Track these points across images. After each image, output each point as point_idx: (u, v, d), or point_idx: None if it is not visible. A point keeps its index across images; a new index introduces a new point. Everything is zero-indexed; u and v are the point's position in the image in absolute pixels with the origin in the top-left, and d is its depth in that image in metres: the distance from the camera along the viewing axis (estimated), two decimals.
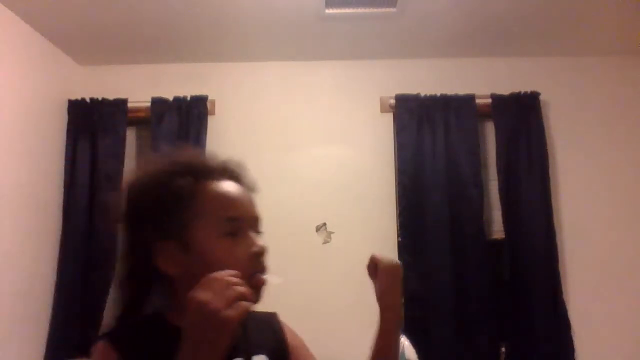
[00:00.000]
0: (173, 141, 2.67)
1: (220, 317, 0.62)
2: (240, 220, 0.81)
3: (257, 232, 0.84)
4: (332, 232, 2.59)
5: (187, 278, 0.75)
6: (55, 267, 2.54)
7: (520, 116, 2.69)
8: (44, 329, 2.46)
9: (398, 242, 2.66)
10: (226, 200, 0.82)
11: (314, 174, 2.71)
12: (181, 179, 0.80)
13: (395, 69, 2.84)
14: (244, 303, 0.65)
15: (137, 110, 2.73)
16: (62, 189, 2.61)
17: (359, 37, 2.61)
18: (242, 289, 0.66)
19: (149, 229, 0.79)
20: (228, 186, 0.84)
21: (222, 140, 2.74)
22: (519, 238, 2.60)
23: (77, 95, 2.72)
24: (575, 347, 2.50)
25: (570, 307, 2.55)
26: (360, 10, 2.33)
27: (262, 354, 0.86)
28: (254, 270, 0.78)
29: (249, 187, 0.88)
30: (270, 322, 0.97)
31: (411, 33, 2.57)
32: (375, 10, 2.32)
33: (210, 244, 0.78)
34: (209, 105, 2.74)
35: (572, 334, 2.51)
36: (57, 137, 2.64)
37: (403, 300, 2.42)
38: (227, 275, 0.67)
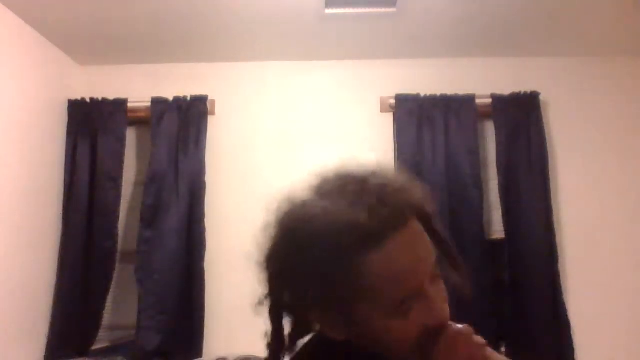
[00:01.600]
0: (173, 141, 2.68)
1: None
2: (414, 294, 0.63)
3: (435, 280, 0.67)
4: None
5: (354, 341, 0.67)
6: (55, 267, 2.54)
7: (520, 116, 2.69)
8: (44, 329, 2.46)
9: None
10: (397, 277, 0.62)
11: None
12: (352, 248, 0.61)
13: (395, 69, 2.84)
14: None
15: (137, 110, 2.73)
16: (62, 189, 2.61)
17: (359, 37, 2.61)
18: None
19: (307, 290, 0.65)
20: (402, 253, 0.62)
21: (222, 140, 2.75)
22: (519, 238, 2.60)
23: (77, 95, 2.73)
24: (575, 347, 2.51)
25: (570, 307, 2.55)
26: (360, 10, 2.33)
27: None
28: (425, 346, 0.64)
29: (417, 214, 0.67)
30: None
31: (411, 33, 2.57)
32: (375, 10, 2.32)
33: (378, 324, 0.64)
34: (209, 105, 2.74)
35: (572, 334, 2.51)
36: (57, 137, 2.64)
37: None
38: (469, 334, 0.63)
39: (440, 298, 0.67)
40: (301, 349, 0.72)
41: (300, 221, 0.64)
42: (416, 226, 0.65)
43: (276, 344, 0.69)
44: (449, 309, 0.68)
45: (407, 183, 0.70)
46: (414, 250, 0.64)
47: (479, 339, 0.65)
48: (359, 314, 0.64)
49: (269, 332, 0.69)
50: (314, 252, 0.62)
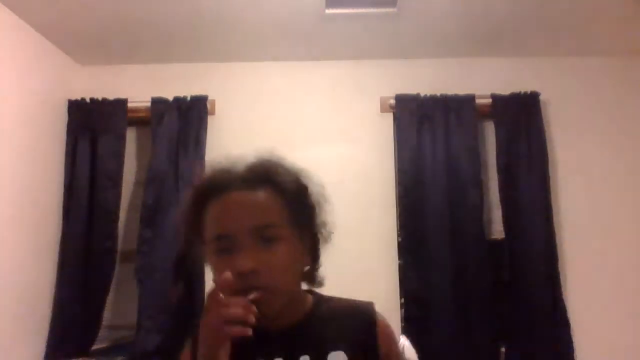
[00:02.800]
0: (173, 141, 2.68)
1: (208, 345, 0.71)
2: (228, 237, 0.79)
3: (261, 243, 0.78)
4: (332, 232, 2.59)
5: None
6: (55, 267, 2.54)
7: (520, 116, 2.69)
8: (44, 329, 2.46)
9: (398, 242, 2.66)
10: (216, 217, 0.81)
11: (313, 173, 2.70)
12: (196, 198, 0.84)
13: (395, 69, 2.84)
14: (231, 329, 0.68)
15: (137, 110, 2.73)
16: (62, 189, 2.61)
17: (359, 37, 2.61)
18: (228, 312, 0.69)
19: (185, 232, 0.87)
20: (224, 200, 0.81)
21: (222, 140, 2.74)
22: (519, 238, 2.60)
23: (77, 95, 2.72)
24: (575, 347, 2.51)
25: (570, 307, 2.55)
26: (360, 10, 2.33)
27: (340, 349, 0.81)
28: (236, 291, 0.73)
29: (275, 189, 0.83)
30: (362, 313, 0.89)
31: (411, 33, 2.57)
32: (375, 10, 2.32)
33: (209, 261, 0.82)
34: (209, 105, 2.74)
35: (572, 333, 2.51)
36: (57, 137, 2.64)
37: (403, 300, 2.43)
38: (217, 295, 0.70)
39: (252, 254, 0.77)
40: None
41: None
42: (256, 193, 0.81)
43: (179, 268, 0.90)
44: (269, 273, 0.77)
45: (287, 169, 0.87)
46: (234, 205, 0.81)
47: (224, 301, 0.71)
48: (206, 249, 0.82)
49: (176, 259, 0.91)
50: (186, 204, 0.85)
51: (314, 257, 0.88)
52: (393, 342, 0.89)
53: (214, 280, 0.77)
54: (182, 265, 0.90)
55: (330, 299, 0.92)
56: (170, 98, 2.72)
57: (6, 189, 2.22)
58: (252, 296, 0.73)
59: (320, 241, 0.89)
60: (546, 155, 2.66)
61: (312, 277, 0.89)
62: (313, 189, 0.88)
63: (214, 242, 0.80)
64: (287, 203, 0.83)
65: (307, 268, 0.88)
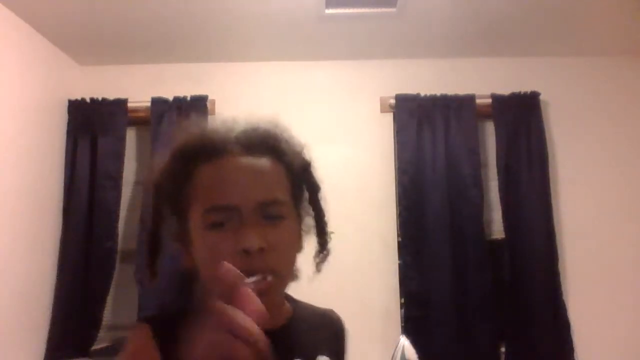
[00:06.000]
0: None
1: None
2: (229, 210, 0.66)
3: (265, 220, 0.68)
4: (332, 232, 2.59)
5: (199, 274, 0.70)
6: (55, 267, 2.54)
7: (520, 116, 2.69)
8: (44, 329, 2.46)
9: (398, 242, 2.66)
10: (212, 184, 0.69)
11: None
12: (181, 160, 0.71)
13: (395, 69, 2.84)
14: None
15: (137, 110, 2.73)
16: (62, 189, 2.61)
17: (359, 37, 2.61)
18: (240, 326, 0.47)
19: (162, 219, 0.74)
20: (225, 166, 0.69)
21: None
22: (519, 238, 2.60)
23: (77, 95, 2.72)
24: (575, 347, 2.51)
25: (570, 307, 2.55)
26: (360, 10, 2.33)
27: (325, 354, 0.77)
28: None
29: (279, 160, 0.72)
30: (334, 320, 0.87)
31: (411, 33, 2.57)
32: (375, 10, 2.32)
33: (197, 237, 0.69)
34: (209, 105, 2.74)
35: (572, 334, 2.51)
36: (57, 137, 2.64)
37: (403, 300, 2.43)
38: (227, 317, 0.47)
39: (258, 231, 0.65)
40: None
41: (158, 163, 0.74)
42: (261, 163, 0.70)
43: (151, 247, 0.75)
44: (273, 255, 0.66)
45: (290, 139, 0.76)
46: (239, 174, 0.69)
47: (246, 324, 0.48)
48: (190, 224, 0.69)
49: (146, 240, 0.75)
50: (164, 164, 0.72)
51: (322, 242, 0.79)
52: (346, 344, 0.88)
53: (208, 256, 0.67)
54: (157, 240, 0.76)
55: (301, 302, 0.84)
56: (170, 98, 2.72)
57: (6, 189, 2.22)
58: (261, 280, 0.62)
59: (327, 225, 0.79)
60: (546, 155, 2.66)
61: (318, 264, 0.80)
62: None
63: (208, 213, 0.67)
64: (291, 177, 0.73)
65: (314, 255, 0.80)
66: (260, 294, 0.57)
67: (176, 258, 0.73)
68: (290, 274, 0.72)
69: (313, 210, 0.78)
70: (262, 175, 0.70)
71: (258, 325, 0.49)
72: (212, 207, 0.67)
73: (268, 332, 0.66)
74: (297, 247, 0.75)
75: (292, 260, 0.72)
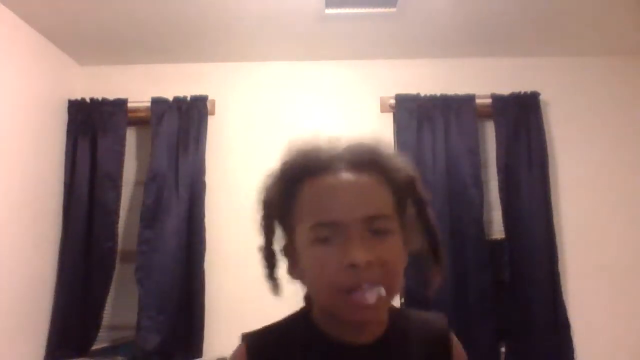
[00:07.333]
0: (173, 141, 2.68)
1: None
2: (335, 225, 0.67)
3: (371, 234, 0.68)
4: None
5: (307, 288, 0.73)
6: (55, 267, 2.54)
7: (520, 116, 2.69)
8: (44, 329, 2.46)
9: None
10: (318, 201, 0.69)
11: None
12: (287, 179, 0.73)
13: (395, 69, 2.84)
14: None
15: (137, 110, 2.73)
16: (62, 189, 2.61)
17: (359, 37, 2.61)
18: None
19: (270, 216, 0.76)
20: (330, 182, 0.70)
21: (222, 140, 2.75)
22: (519, 238, 2.60)
23: (77, 95, 2.73)
24: (575, 347, 2.51)
25: (570, 307, 2.55)
26: (360, 10, 2.33)
27: None
28: (347, 286, 0.65)
29: (383, 176, 0.72)
30: (437, 331, 0.82)
31: (411, 33, 2.57)
32: (375, 10, 2.32)
33: (304, 252, 0.70)
34: (209, 105, 2.74)
35: (572, 334, 2.51)
36: (57, 137, 2.64)
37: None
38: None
39: (365, 246, 0.66)
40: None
41: (268, 175, 0.77)
42: (365, 179, 0.71)
43: (269, 257, 0.75)
44: (381, 270, 0.66)
45: (394, 155, 0.76)
46: (343, 190, 0.69)
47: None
48: (297, 239, 0.71)
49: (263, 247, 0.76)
50: (272, 181, 0.75)
51: (436, 257, 0.76)
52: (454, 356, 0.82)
53: (315, 272, 0.68)
54: (272, 254, 0.75)
55: (403, 311, 0.82)
56: (170, 98, 2.72)
57: (6, 189, 2.22)
58: (377, 293, 0.64)
59: (438, 239, 0.76)
60: (546, 155, 2.66)
61: (437, 278, 0.76)
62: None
63: (313, 229, 0.68)
64: (395, 192, 0.73)
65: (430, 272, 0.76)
66: (369, 307, 0.64)
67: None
68: (398, 288, 0.71)
69: (422, 224, 0.76)
70: (366, 191, 0.70)
71: None
72: (318, 223, 0.68)
73: (360, 348, 0.71)
74: (404, 261, 0.73)
75: (400, 275, 0.71)
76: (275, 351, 0.72)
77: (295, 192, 0.71)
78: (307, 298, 0.76)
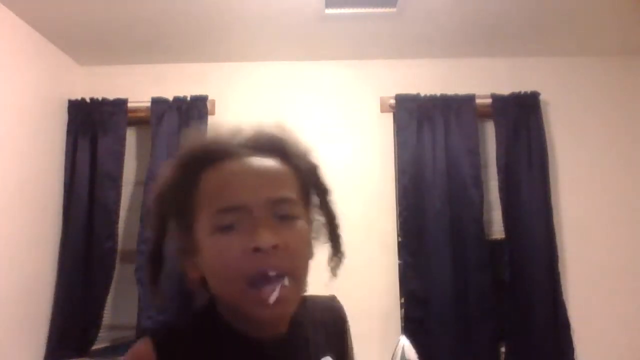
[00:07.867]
0: (173, 141, 2.68)
1: None
2: (239, 210, 0.65)
3: (277, 219, 0.66)
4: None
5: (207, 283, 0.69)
6: (55, 267, 2.55)
7: (520, 116, 2.69)
8: (44, 329, 2.46)
9: (398, 242, 2.66)
10: (221, 186, 0.67)
11: None
12: (186, 168, 0.70)
13: (395, 69, 2.84)
14: None
15: (137, 110, 2.73)
16: (62, 189, 2.61)
17: (359, 37, 2.61)
18: None
19: (165, 230, 0.72)
20: (233, 167, 0.68)
21: None
22: (519, 238, 2.60)
23: (77, 95, 2.73)
24: (575, 347, 2.51)
25: (570, 307, 2.55)
26: (360, 10, 2.33)
27: (327, 354, 0.75)
28: (252, 273, 0.63)
29: (287, 162, 0.71)
30: (335, 311, 0.84)
31: (411, 33, 2.57)
32: (375, 10, 2.32)
33: (205, 244, 0.67)
34: (209, 105, 2.74)
35: (572, 334, 2.51)
36: (57, 137, 2.64)
37: (403, 300, 2.43)
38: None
39: (271, 231, 0.64)
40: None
41: (162, 173, 0.73)
42: (270, 163, 0.70)
43: (155, 263, 0.73)
44: (286, 254, 0.65)
45: (298, 143, 0.76)
46: (247, 173, 0.68)
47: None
48: (198, 231, 0.68)
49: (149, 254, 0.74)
50: (169, 174, 0.71)
51: (336, 245, 0.77)
52: (349, 335, 0.85)
53: (218, 261, 0.66)
54: (160, 256, 0.73)
55: (302, 299, 0.80)
56: (170, 98, 2.72)
57: (6, 189, 2.22)
58: (278, 288, 0.63)
59: (339, 229, 0.77)
60: (546, 155, 2.66)
61: (334, 269, 0.77)
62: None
63: (216, 217, 0.66)
64: (300, 179, 0.72)
65: (328, 260, 0.77)
66: (278, 301, 0.62)
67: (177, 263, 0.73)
68: (304, 280, 0.70)
69: (324, 213, 0.76)
70: (270, 174, 0.69)
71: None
72: (221, 209, 0.66)
73: (268, 341, 0.70)
74: (310, 251, 0.73)
75: (306, 264, 0.70)
76: (182, 347, 0.68)
77: (197, 180, 0.69)
78: (209, 293, 0.73)
